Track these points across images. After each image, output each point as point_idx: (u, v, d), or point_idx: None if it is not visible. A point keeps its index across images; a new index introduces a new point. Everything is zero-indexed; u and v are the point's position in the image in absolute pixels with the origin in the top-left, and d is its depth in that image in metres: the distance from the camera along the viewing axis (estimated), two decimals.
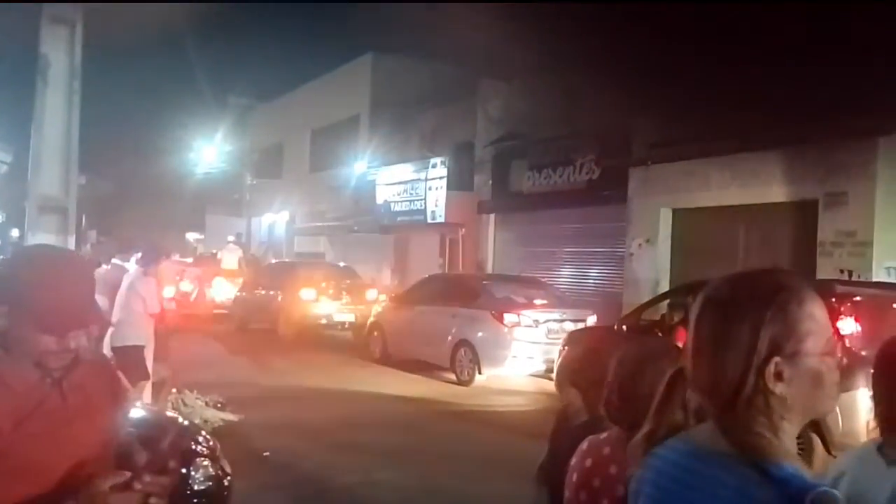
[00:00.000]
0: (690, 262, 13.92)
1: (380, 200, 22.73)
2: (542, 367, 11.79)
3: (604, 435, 2.13)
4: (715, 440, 1.18)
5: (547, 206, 18.03)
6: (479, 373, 12.07)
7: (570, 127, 16.94)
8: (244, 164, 34.73)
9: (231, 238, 24.99)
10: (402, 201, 21.88)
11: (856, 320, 6.53)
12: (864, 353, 5.94)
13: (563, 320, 12.20)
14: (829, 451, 3.54)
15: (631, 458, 1.43)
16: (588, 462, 2.10)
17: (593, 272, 17.28)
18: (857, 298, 7.17)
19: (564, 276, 17.79)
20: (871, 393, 1.93)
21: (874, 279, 10.86)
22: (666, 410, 1.36)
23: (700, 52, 11.68)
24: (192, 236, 36.88)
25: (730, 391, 1.16)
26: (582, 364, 2.68)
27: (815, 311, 1.19)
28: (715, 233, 13.81)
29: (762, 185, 12.79)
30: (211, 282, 20.63)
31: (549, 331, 11.90)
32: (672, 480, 1.23)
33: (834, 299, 6.99)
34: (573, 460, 2.14)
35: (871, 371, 1.94)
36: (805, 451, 1.95)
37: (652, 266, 15.00)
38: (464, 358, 12.33)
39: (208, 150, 34.57)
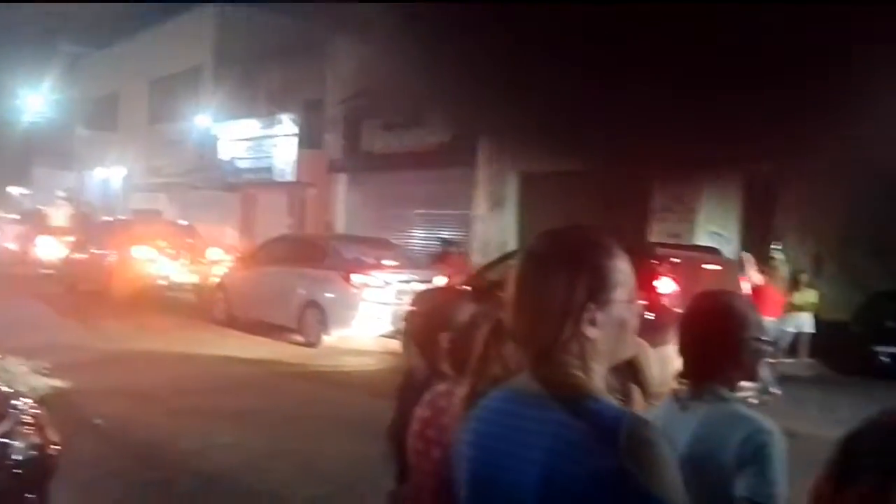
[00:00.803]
0: (537, 226, 14.13)
1: (224, 157, 21.85)
2: (390, 328, 11.86)
3: (442, 387, 2.20)
4: (532, 385, 1.26)
5: (399, 168, 18.00)
6: (327, 334, 11.98)
7: (422, 88, 16.92)
8: (74, 115, 32.29)
9: (61, 193, 23.26)
10: (248, 158, 21.15)
11: (674, 280, 6.99)
12: (677, 310, 6.35)
13: (412, 281, 12.28)
14: (647, 400, 3.77)
15: (458, 410, 1.49)
16: (426, 413, 2.19)
17: (444, 234, 17.51)
18: (675, 260, 7.71)
19: (416, 238, 17.91)
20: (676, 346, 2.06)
21: (699, 243, 11.68)
22: (486, 364, 1.44)
23: (552, 19, 11.90)
24: (16, 190, 34.04)
25: (548, 338, 1.25)
26: (424, 323, 2.71)
27: (622, 264, 1.29)
28: (558, 197, 14.30)
29: (603, 154, 13.36)
30: (36, 240, 19.14)
31: (398, 291, 11.94)
32: (493, 425, 1.30)
33: (655, 261, 7.48)
34: (416, 413, 2.22)
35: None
36: (625, 400, 2.07)
37: (500, 229, 15.38)
38: (311, 319, 12.17)
39: (34, 99, 31.84)
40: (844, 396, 9.72)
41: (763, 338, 2.05)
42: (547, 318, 1.25)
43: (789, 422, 8.22)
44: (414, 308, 3.19)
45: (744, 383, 2.06)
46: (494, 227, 15.51)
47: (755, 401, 8.12)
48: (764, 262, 11.49)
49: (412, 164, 17.54)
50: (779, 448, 1.82)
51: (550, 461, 1.18)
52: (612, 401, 1.22)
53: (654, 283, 7.35)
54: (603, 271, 1.26)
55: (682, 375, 2.03)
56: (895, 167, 14.99)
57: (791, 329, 11.85)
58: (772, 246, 11.85)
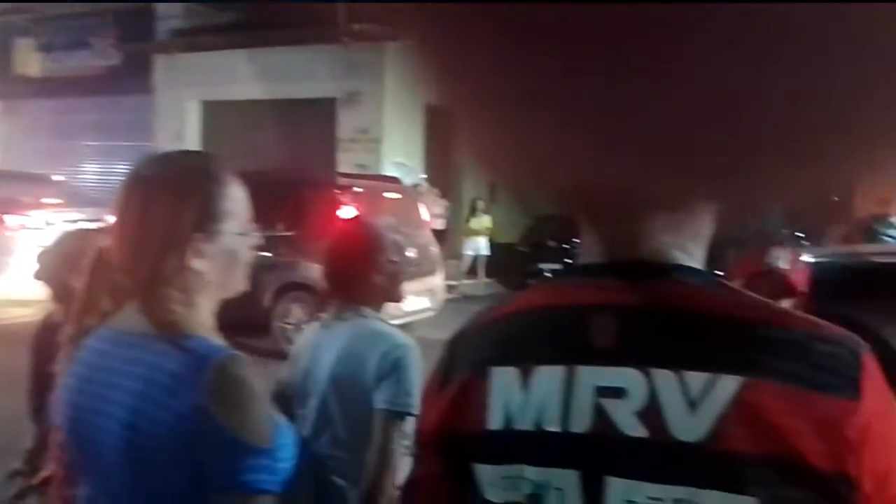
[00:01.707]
0: (222, 158, 13.73)
1: None
2: None
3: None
4: (134, 321, 1.18)
5: (62, 94, 16.19)
6: None
7: (85, 4, 15.15)
8: None
9: None
10: None
11: (356, 208, 7.18)
12: None
13: (79, 221, 11.09)
14: None
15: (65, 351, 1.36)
16: (47, 356, 1.93)
17: (121, 168, 16.05)
18: (358, 189, 7.95)
19: (88, 173, 16.26)
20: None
21: (385, 173, 11.98)
22: (91, 298, 1.30)
23: None
24: None
25: (150, 270, 1.17)
26: (54, 264, 2.44)
27: (235, 192, 1.23)
28: (244, 127, 13.79)
29: (287, 81, 13.05)
30: None
31: None
32: (89, 368, 1.21)
33: (337, 190, 7.81)
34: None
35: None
36: None
37: None
38: None
39: None
40: None
41: (400, 259, 2.09)
42: (149, 248, 1.17)
43: None
44: (44, 248, 2.83)
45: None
46: None
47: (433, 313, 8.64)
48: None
49: (77, 90, 15.80)
50: (415, 360, 1.91)
51: (137, 404, 1.11)
52: (213, 338, 1.17)
53: (337, 211, 7.51)
54: (212, 200, 1.19)
55: (328, 297, 2.08)
56: None
57: (470, 252, 12.75)
58: (420, 176, 12.61)
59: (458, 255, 13.12)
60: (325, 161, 12.37)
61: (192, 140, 14.52)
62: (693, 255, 0.83)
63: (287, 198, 8.12)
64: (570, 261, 11.83)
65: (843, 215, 9.75)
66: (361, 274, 2.01)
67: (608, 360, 0.76)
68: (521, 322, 0.85)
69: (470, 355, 0.86)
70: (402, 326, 7.70)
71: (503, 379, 0.81)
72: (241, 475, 1.07)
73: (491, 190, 15.54)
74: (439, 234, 11.46)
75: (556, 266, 12.07)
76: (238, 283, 1.25)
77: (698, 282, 0.80)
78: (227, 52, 13.37)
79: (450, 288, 11.44)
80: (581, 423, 0.76)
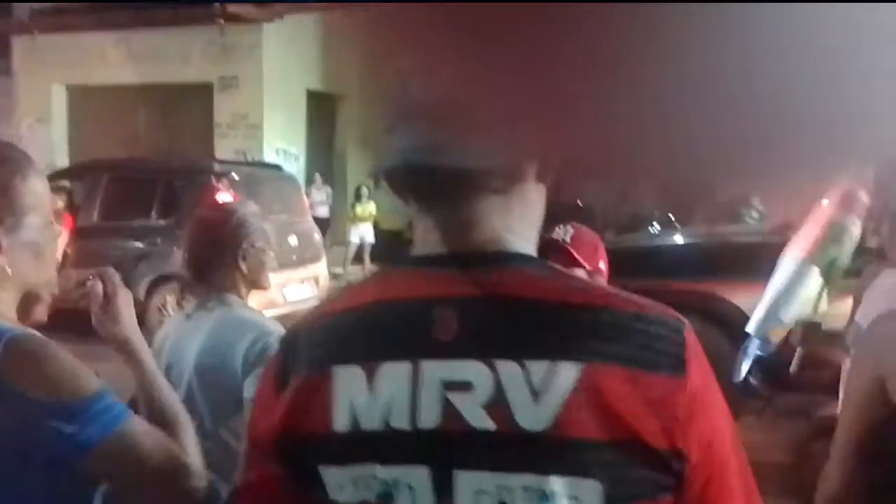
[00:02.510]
0: (90, 144, 13.05)
1: None
2: None
3: None
4: None
5: None
6: None
7: None
8: None
9: None
10: None
11: (232, 195, 7.02)
12: None
13: None
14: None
15: None
16: None
17: None
18: (235, 176, 7.81)
19: None
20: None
21: (266, 160, 11.72)
22: None
23: None
24: None
25: None
26: None
27: (38, 186, 1.22)
28: (115, 113, 13.15)
29: (159, 64, 12.51)
30: None
31: None
32: None
33: (214, 177, 7.64)
34: None
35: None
36: None
37: (46, 148, 13.63)
38: None
39: None
40: None
41: (265, 245, 2.04)
42: None
43: None
44: None
45: None
46: (39, 146, 13.72)
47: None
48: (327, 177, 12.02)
49: None
50: None
51: None
52: (7, 323, 1.14)
53: (215, 198, 7.29)
54: (13, 193, 1.17)
55: (190, 286, 2.02)
56: None
57: (355, 240, 12.67)
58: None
59: (343, 243, 13.01)
60: (203, 148, 11.97)
61: (58, 126, 13.73)
62: (528, 239, 0.85)
63: (160, 186, 7.84)
64: None
65: (710, 199, 10.31)
66: (224, 261, 1.96)
67: (452, 353, 0.77)
68: (360, 318, 0.83)
69: (308, 354, 0.83)
70: (285, 316, 7.65)
71: (347, 378, 0.79)
72: (83, 429, 1.06)
73: (375, 176, 15.47)
74: (323, 222, 11.34)
75: None
76: (44, 275, 1.24)
77: (532, 269, 0.81)
78: (94, 34, 12.69)
79: (335, 276, 11.35)
80: (430, 418, 0.76)
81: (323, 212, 12.27)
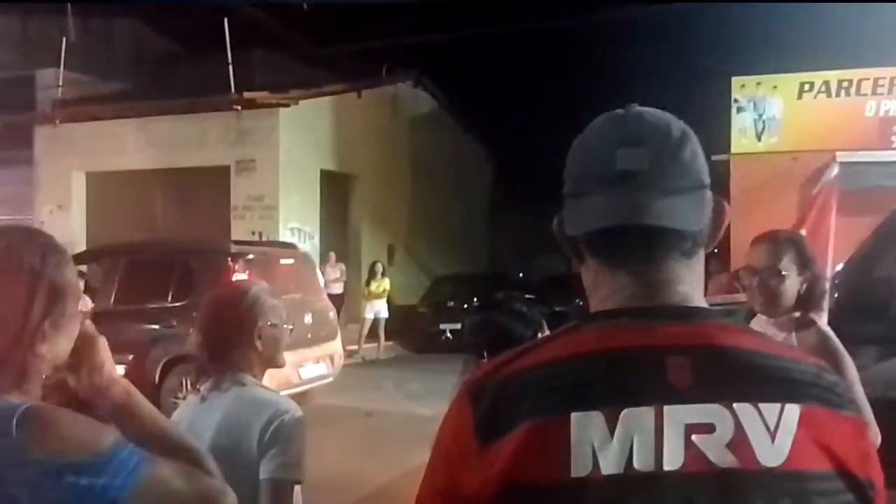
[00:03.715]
0: (108, 228, 13.27)
1: None
2: None
3: None
4: None
5: None
6: None
7: None
8: None
9: None
10: None
11: (248, 275, 7.05)
12: None
13: None
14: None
15: None
16: None
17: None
18: (250, 256, 7.91)
19: None
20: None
21: (281, 239, 11.85)
22: None
23: None
24: None
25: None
26: None
27: (74, 274, 1.24)
28: (132, 197, 13.41)
29: (177, 149, 12.81)
30: None
31: None
32: None
33: (230, 258, 7.67)
34: None
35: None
36: None
37: (66, 233, 13.85)
38: None
39: None
40: (416, 373, 10.65)
41: (279, 323, 2.03)
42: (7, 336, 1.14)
43: (368, 402, 8.77)
44: None
45: None
46: (60, 231, 13.96)
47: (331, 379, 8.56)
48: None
49: None
50: (300, 427, 1.86)
51: None
52: (15, 400, 1.13)
53: (231, 279, 7.33)
54: (58, 283, 1.19)
55: (205, 367, 1.99)
56: (445, 171, 16.99)
57: (370, 315, 12.66)
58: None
59: (357, 320, 13.02)
60: (219, 230, 12.13)
61: (77, 211, 14.00)
62: (702, 298, 0.93)
63: (177, 268, 7.90)
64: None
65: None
66: (238, 340, 1.94)
67: (692, 398, 0.83)
68: (588, 366, 0.86)
69: (531, 403, 0.84)
70: (301, 394, 7.56)
71: (586, 423, 0.82)
72: (114, 479, 1.07)
73: (389, 251, 15.60)
74: (337, 298, 11.37)
75: (457, 326, 12.12)
76: (65, 356, 1.25)
77: (723, 323, 0.90)
78: (113, 122, 13.06)
79: (350, 353, 11.30)
80: (674, 460, 0.81)
81: (337, 289, 12.31)
